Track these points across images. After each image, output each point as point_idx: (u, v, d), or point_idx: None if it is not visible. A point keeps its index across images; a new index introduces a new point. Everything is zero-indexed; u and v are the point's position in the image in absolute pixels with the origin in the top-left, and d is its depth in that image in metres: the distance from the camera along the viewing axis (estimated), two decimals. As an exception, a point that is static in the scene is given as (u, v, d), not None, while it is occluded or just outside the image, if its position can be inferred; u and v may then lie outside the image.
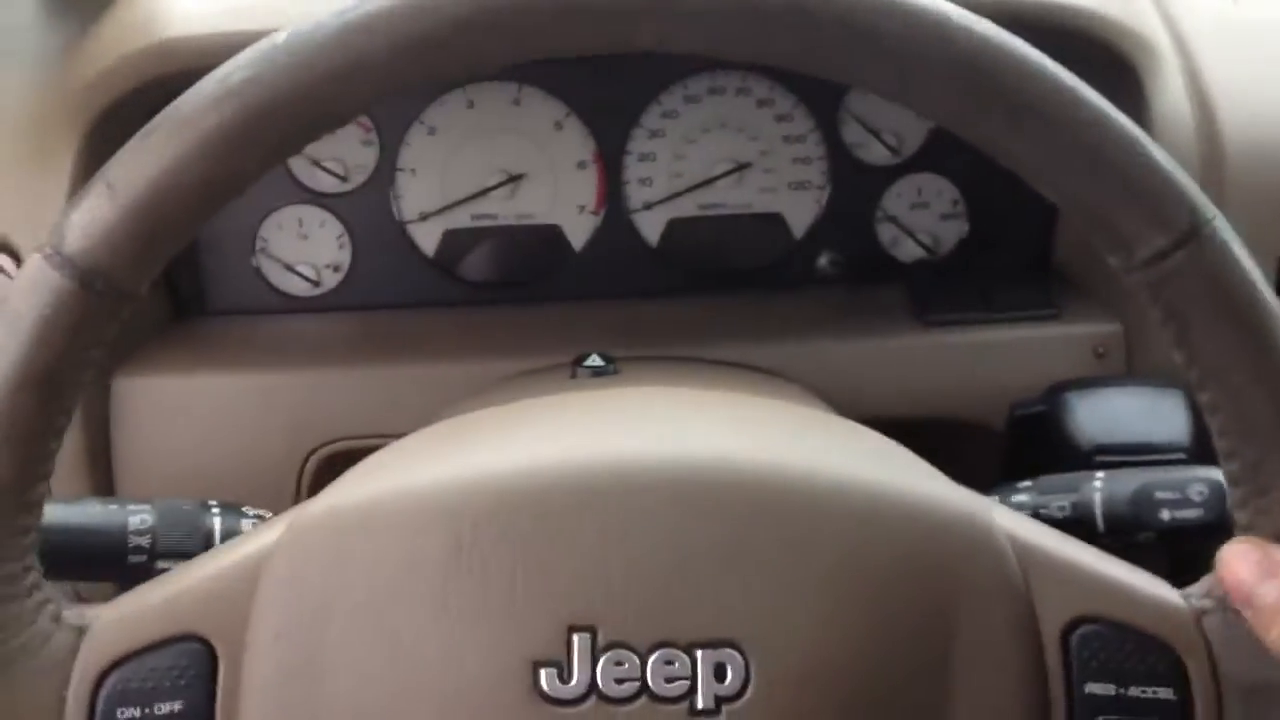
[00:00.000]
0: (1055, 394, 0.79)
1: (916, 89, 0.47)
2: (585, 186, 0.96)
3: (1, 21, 0.88)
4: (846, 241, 0.97)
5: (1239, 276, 0.47)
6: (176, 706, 0.48)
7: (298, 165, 0.94)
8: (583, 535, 0.48)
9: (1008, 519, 0.51)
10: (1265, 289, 0.47)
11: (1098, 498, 0.64)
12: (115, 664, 0.48)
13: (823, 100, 0.95)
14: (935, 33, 0.46)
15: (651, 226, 0.97)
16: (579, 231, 0.97)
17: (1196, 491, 0.62)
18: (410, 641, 0.47)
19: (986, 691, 0.48)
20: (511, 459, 0.51)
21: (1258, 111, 0.86)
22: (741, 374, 0.83)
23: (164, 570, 0.53)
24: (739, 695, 0.46)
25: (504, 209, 0.96)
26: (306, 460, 0.87)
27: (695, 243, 0.97)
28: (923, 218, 0.97)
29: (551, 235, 0.97)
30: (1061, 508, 0.64)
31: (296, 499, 0.85)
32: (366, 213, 0.96)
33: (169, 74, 0.82)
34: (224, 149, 0.46)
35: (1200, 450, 0.71)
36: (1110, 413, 0.75)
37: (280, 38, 0.46)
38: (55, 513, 0.60)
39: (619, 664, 0.46)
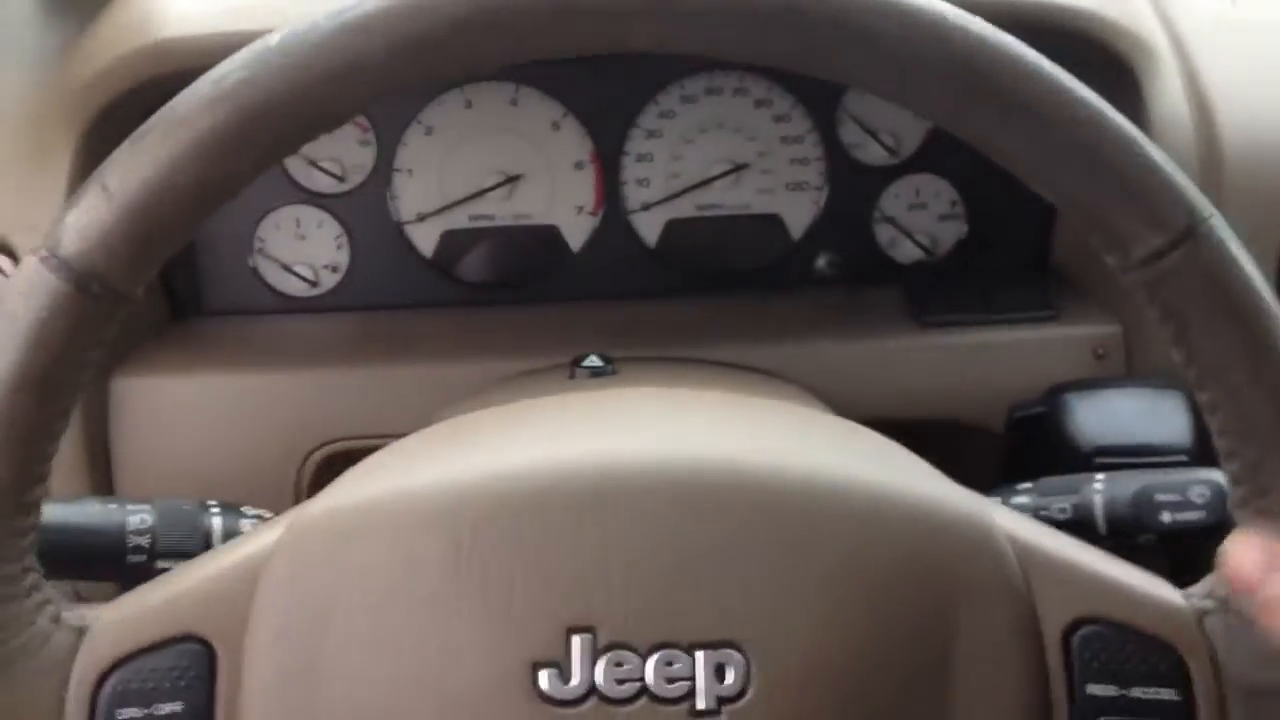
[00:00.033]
0: (1055, 395, 0.79)
1: (913, 89, 0.47)
2: (583, 187, 0.96)
3: (-2, 21, 0.88)
4: (844, 242, 0.97)
5: (1236, 275, 0.47)
6: (177, 707, 0.48)
7: (295, 166, 0.94)
8: (582, 536, 0.48)
9: (1008, 520, 0.51)
10: (1263, 287, 0.47)
11: (1098, 500, 0.64)
12: (115, 665, 0.48)
13: (821, 101, 0.95)
14: (931, 32, 0.46)
15: (649, 227, 0.97)
16: (577, 232, 0.97)
17: (1197, 493, 0.62)
18: (410, 642, 0.47)
19: (987, 692, 0.48)
20: (510, 460, 0.51)
21: (1256, 112, 0.86)
22: (740, 375, 0.83)
23: (164, 570, 0.53)
24: (740, 696, 0.46)
25: (502, 209, 0.96)
26: (305, 460, 0.87)
27: (693, 243, 0.97)
28: (921, 218, 0.97)
29: (549, 236, 0.97)
30: (1062, 510, 0.64)
31: (296, 499, 0.85)
32: (364, 213, 0.96)
33: (166, 74, 0.82)
34: (218, 151, 0.46)
35: (1201, 452, 0.71)
36: (1110, 414, 0.75)
37: (275, 39, 0.46)
38: (54, 512, 0.60)
39: (619, 665, 0.46)
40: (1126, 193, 0.47)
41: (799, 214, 0.97)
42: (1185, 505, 0.62)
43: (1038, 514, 0.64)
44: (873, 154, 0.96)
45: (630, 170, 0.96)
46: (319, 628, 0.48)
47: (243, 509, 0.65)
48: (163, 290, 0.95)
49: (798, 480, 0.50)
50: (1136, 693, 0.48)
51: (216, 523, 0.63)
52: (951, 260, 0.98)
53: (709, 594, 0.47)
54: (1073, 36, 0.85)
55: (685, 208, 0.97)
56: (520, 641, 0.47)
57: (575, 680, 0.46)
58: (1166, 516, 0.62)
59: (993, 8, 0.52)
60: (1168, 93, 0.86)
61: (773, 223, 0.97)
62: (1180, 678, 0.49)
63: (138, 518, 0.62)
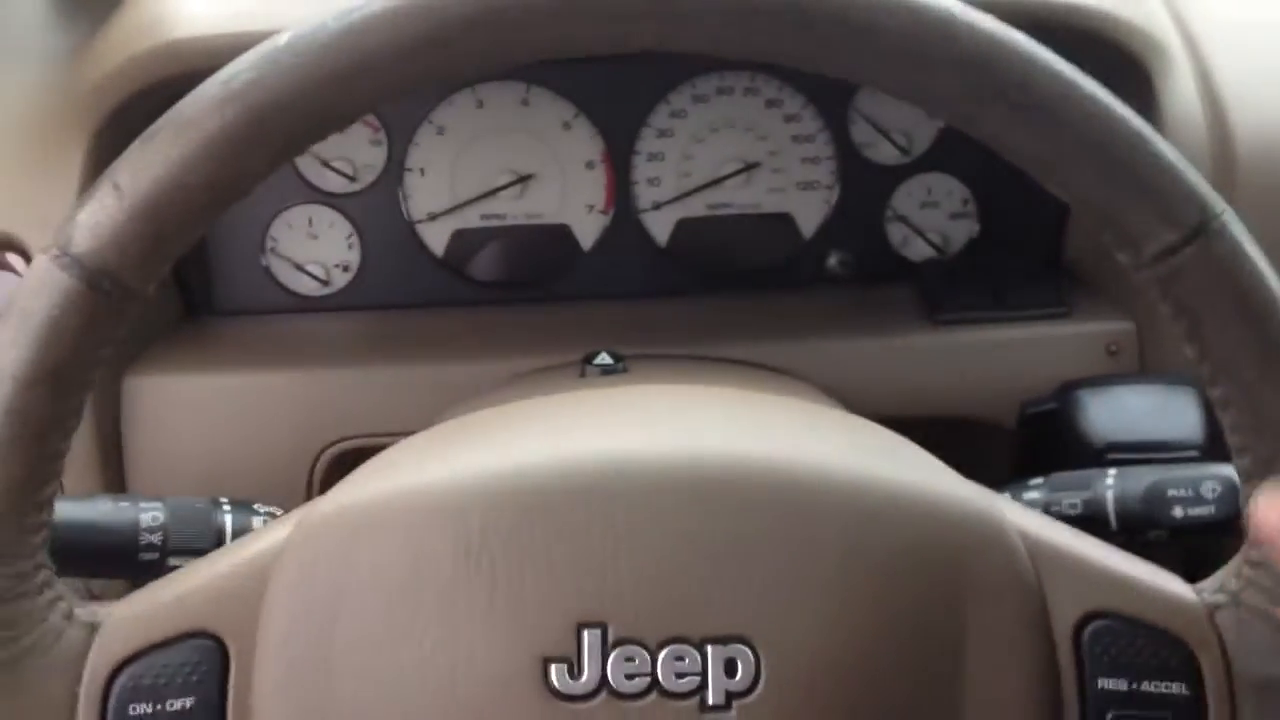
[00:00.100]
0: (1067, 392, 0.79)
1: (922, 87, 0.47)
2: (594, 186, 0.96)
3: (10, 22, 0.88)
4: (856, 241, 0.97)
5: (1249, 271, 0.47)
6: (188, 703, 0.48)
7: (307, 165, 0.94)
8: (592, 532, 0.48)
9: (1019, 515, 0.51)
10: (1275, 283, 0.47)
11: (1110, 495, 0.63)
12: (127, 661, 0.49)
13: (832, 100, 0.95)
14: (939, 30, 0.46)
15: (660, 226, 0.97)
16: (588, 231, 0.97)
17: (1209, 489, 0.62)
18: (420, 638, 0.47)
19: (998, 687, 0.48)
20: (521, 457, 0.51)
21: (1269, 110, 0.86)
22: (751, 372, 0.83)
23: (175, 567, 0.53)
24: (750, 690, 0.46)
25: (513, 209, 0.96)
26: (318, 458, 0.87)
27: (704, 243, 0.97)
28: (933, 217, 0.97)
29: (560, 235, 0.97)
30: (1073, 505, 0.64)
31: (308, 497, 0.85)
32: (376, 212, 0.96)
33: (177, 75, 0.82)
34: (229, 150, 0.46)
35: (1213, 448, 0.71)
36: (1122, 410, 0.75)
37: (284, 39, 0.46)
38: (67, 510, 0.61)
39: (629, 660, 0.46)
40: (1138, 189, 0.47)
41: (810, 213, 0.97)
42: (1196, 500, 0.62)
43: (1049, 509, 0.64)
44: (884, 153, 0.96)
45: (641, 169, 0.96)
46: (330, 624, 0.48)
47: (254, 506, 0.66)
48: (175, 289, 0.95)
49: (808, 476, 0.50)
50: (1147, 687, 0.48)
51: (228, 520, 0.63)
52: (963, 258, 0.97)
53: (719, 589, 0.47)
54: (1085, 35, 0.84)
55: (696, 207, 0.97)
56: (531, 637, 0.47)
57: (586, 676, 0.46)
58: (1178, 512, 0.62)
59: (1004, 6, 0.52)
60: (1180, 91, 0.86)
61: (784, 222, 0.97)
62: (1191, 672, 0.49)
63: (150, 515, 0.62)
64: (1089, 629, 0.49)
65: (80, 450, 0.82)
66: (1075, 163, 0.47)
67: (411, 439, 0.56)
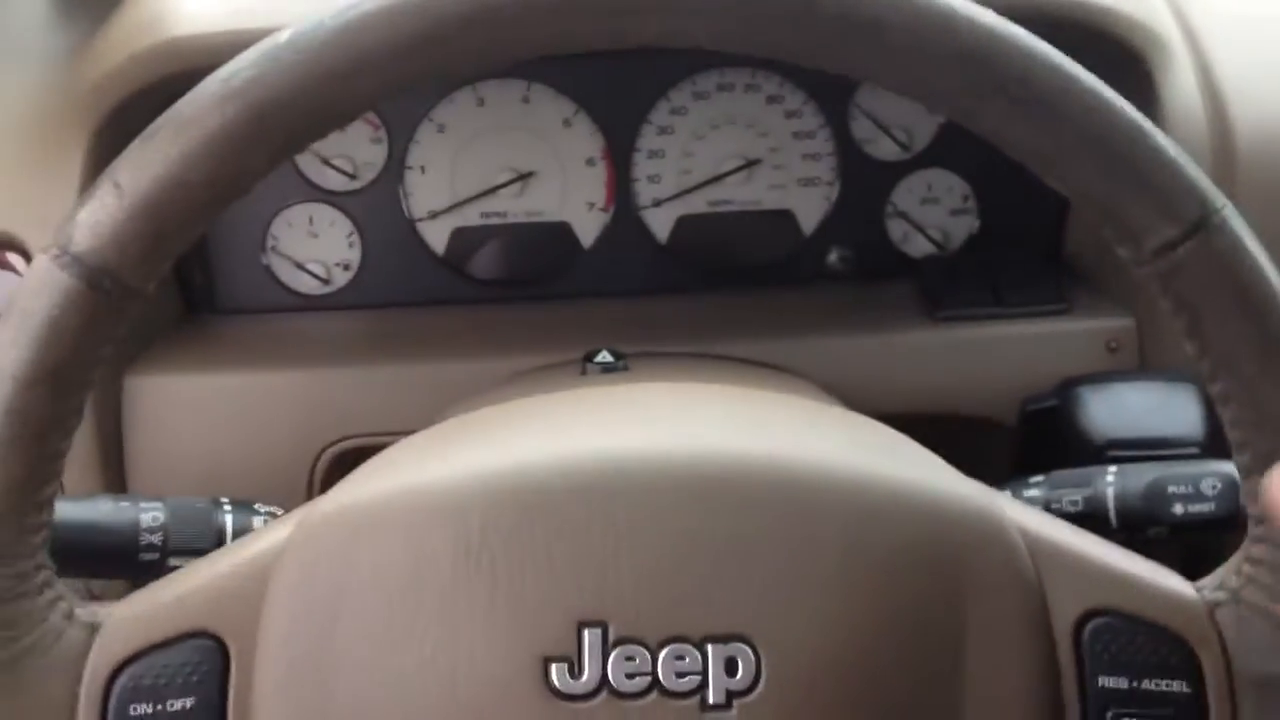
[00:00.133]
0: (1067, 389, 0.79)
1: (923, 82, 0.47)
2: (594, 184, 0.96)
3: (11, 21, 0.88)
4: (856, 237, 0.97)
5: (1249, 266, 0.47)
6: (189, 703, 0.48)
7: (307, 163, 0.94)
8: (593, 531, 0.48)
9: (1019, 512, 0.51)
10: (1276, 279, 0.47)
11: (1110, 492, 0.63)
12: (128, 661, 0.49)
13: (832, 96, 0.95)
14: (940, 25, 0.46)
15: (661, 223, 0.97)
16: (588, 229, 0.97)
17: (1209, 485, 0.62)
18: (421, 637, 0.47)
19: (999, 685, 0.48)
20: (521, 455, 0.51)
21: (1269, 105, 0.85)
22: (751, 370, 0.83)
23: (176, 567, 0.53)
24: (750, 689, 0.46)
25: (513, 206, 0.96)
26: (318, 457, 0.87)
27: (705, 240, 0.97)
28: (933, 213, 0.97)
29: (561, 232, 0.97)
30: (1074, 502, 0.64)
31: (309, 496, 0.85)
32: (376, 211, 0.96)
33: (177, 73, 0.82)
34: (228, 148, 0.46)
35: (1213, 444, 0.71)
36: (1122, 407, 0.75)
37: (284, 36, 0.46)
38: (67, 510, 0.61)
39: (630, 659, 0.46)
40: (1138, 184, 0.47)
41: (811, 209, 0.97)
42: (1197, 497, 0.62)
43: (1049, 507, 0.64)
44: (885, 149, 0.96)
45: (642, 167, 0.96)
46: (330, 623, 0.48)
47: (255, 505, 0.66)
48: (176, 288, 0.95)
49: (809, 474, 0.50)
50: (1147, 685, 0.48)
51: (229, 520, 0.63)
52: (963, 254, 0.97)
53: (719, 588, 0.47)
54: (1086, 30, 0.84)
55: (697, 204, 0.97)
56: (531, 636, 0.47)
57: (586, 675, 0.46)
58: (1178, 509, 0.62)
59: (1004, 1, 0.52)
60: (1181, 86, 0.86)
61: (784, 218, 0.97)
62: (1191, 670, 0.49)
63: (150, 515, 0.62)
64: (1089, 626, 0.49)
65: (80, 450, 0.82)
66: (1075, 157, 0.47)
67: (412, 438, 0.56)
